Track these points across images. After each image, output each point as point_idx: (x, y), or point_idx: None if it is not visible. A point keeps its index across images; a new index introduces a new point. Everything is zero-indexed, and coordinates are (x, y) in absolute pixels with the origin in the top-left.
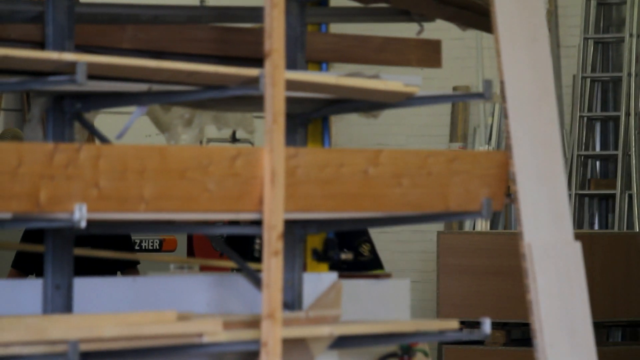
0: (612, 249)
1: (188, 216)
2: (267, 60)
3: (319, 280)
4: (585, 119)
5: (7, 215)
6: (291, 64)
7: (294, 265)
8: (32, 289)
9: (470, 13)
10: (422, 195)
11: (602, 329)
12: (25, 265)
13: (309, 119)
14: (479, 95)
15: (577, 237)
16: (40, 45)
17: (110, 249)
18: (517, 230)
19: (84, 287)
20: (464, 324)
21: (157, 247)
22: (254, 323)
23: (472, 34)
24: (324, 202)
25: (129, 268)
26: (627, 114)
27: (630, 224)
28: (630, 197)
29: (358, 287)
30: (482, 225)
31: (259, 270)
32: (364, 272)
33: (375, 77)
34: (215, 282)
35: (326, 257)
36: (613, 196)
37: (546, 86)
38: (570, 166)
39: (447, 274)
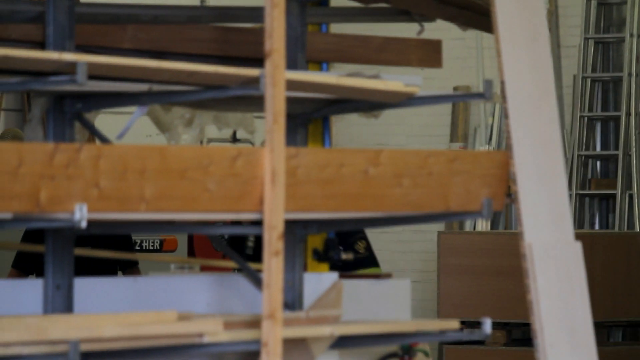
0: (613, 249)
1: (188, 216)
2: (268, 60)
3: (319, 281)
4: (586, 119)
5: (7, 215)
6: (292, 64)
7: (295, 265)
8: (32, 289)
9: (471, 13)
10: (422, 196)
11: (602, 329)
12: (26, 265)
13: (309, 119)
14: (480, 95)
15: (578, 237)
16: (41, 45)
17: (110, 249)
18: (518, 230)
19: (85, 287)
20: (465, 324)
21: (158, 247)
22: (255, 323)
23: (473, 34)
24: (324, 202)
25: (131, 268)
26: (628, 114)
27: (631, 224)
28: (631, 197)
29: (359, 287)
30: (483, 225)
31: (259, 270)
32: (360, 269)
33: (376, 77)
34: (216, 282)
35: (327, 257)
36: (613, 196)
37: (547, 86)
38: (570, 166)
39: (448, 274)
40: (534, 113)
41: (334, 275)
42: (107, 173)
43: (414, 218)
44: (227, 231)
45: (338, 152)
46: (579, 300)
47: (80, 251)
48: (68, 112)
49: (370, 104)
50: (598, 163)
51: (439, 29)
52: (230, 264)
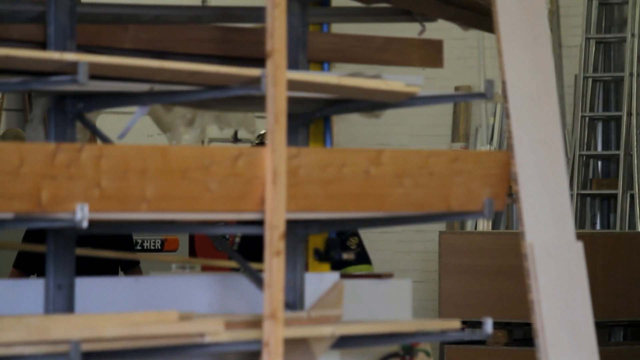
0: (614, 249)
1: (190, 216)
2: (269, 60)
3: (320, 280)
4: (587, 118)
5: (9, 215)
6: (293, 64)
7: (296, 265)
8: (34, 288)
9: (472, 13)
10: (423, 195)
11: (603, 329)
12: (27, 265)
13: (310, 119)
14: (481, 95)
15: (579, 237)
16: (42, 45)
17: (111, 249)
18: (519, 230)
19: (86, 287)
20: (466, 324)
21: (159, 247)
22: (256, 323)
23: (474, 34)
24: (325, 202)
25: (132, 268)
26: (629, 114)
27: (632, 224)
28: (632, 197)
29: (360, 287)
30: (484, 225)
31: (260, 270)
32: (351, 267)
33: (377, 77)
34: (217, 282)
35: (328, 257)
36: (615, 196)
37: (548, 86)
38: (572, 166)
39: (449, 273)
40: (535, 113)
41: (335, 275)
42: (109, 173)
43: (415, 218)
44: (228, 231)
45: (339, 152)
46: (580, 300)
47: (81, 251)
48: (69, 112)
49: (371, 103)
50: (599, 163)
51: (440, 29)
52: (232, 263)
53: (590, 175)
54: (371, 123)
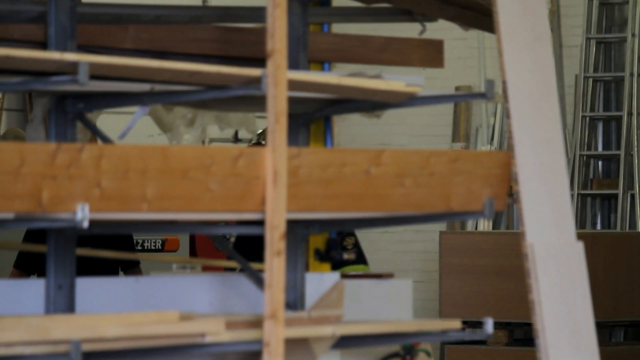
0: (615, 249)
1: (190, 216)
2: (270, 60)
3: (321, 280)
4: (588, 118)
5: (9, 215)
6: (293, 64)
7: (296, 265)
8: (34, 289)
9: (473, 13)
10: (424, 195)
11: (604, 329)
12: (27, 265)
13: (311, 119)
14: (481, 95)
15: (580, 237)
16: (43, 45)
17: (111, 249)
18: (520, 230)
19: (87, 287)
20: (467, 324)
21: (160, 247)
22: (257, 323)
23: (475, 34)
24: (326, 202)
25: (132, 268)
26: (630, 114)
27: (633, 224)
28: (633, 197)
29: (360, 287)
30: (485, 225)
31: (261, 270)
32: (347, 267)
33: (378, 77)
34: (218, 282)
35: (328, 257)
36: (615, 196)
37: (548, 86)
38: (572, 166)
39: (450, 274)
40: (535, 113)
41: (336, 275)
42: (109, 173)
43: (415, 218)
44: (229, 231)
45: (340, 152)
46: (580, 300)
47: (81, 251)
48: (70, 112)
49: (372, 103)
50: (600, 163)
51: (441, 29)
52: (233, 263)
53: (591, 175)
54: (372, 123)
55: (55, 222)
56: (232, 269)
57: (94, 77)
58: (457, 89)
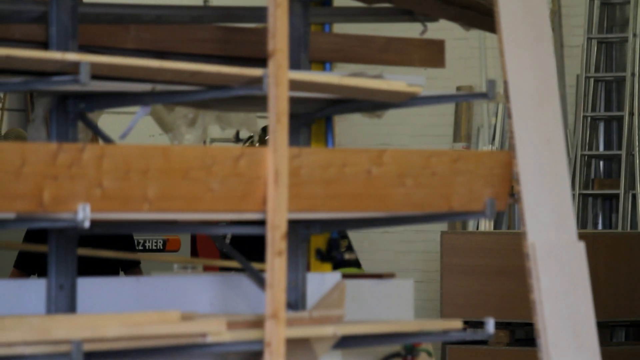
0: (616, 249)
1: (191, 216)
2: (271, 60)
3: (322, 280)
4: (589, 118)
5: (10, 215)
6: (295, 64)
7: (298, 265)
8: (35, 289)
9: (474, 13)
10: (425, 195)
11: (605, 329)
12: (28, 265)
13: (312, 119)
14: (483, 95)
15: (581, 237)
16: (44, 45)
17: (112, 249)
18: (521, 230)
19: (88, 287)
20: (468, 324)
21: (161, 247)
22: (258, 323)
23: (476, 34)
24: (327, 202)
25: (132, 268)
26: (631, 114)
27: (634, 224)
28: (634, 197)
29: (362, 287)
30: (486, 225)
31: (262, 270)
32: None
33: (379, 77)
34: (219, 282)
35: (330, 257)
36: (617, 196)
37: (550, 86)
38: (573, 166)
39: (451, 273)
40: (537, 113)
41: (337, 275)
42: (110, 173)
43: (416, 218)
44: (230, 231)
45: (341, 152)
46: (582, 300)
47: (82, 251)
48: (71, 112)
49: (373, 103)
50: (601, 163)
51: (442, 29)
52: (233, 263)
53: (592, 175)
54: (373, 123)
55: (56, 222)
56: (230, 269)
57: (95, 77)
58: (458, 89)
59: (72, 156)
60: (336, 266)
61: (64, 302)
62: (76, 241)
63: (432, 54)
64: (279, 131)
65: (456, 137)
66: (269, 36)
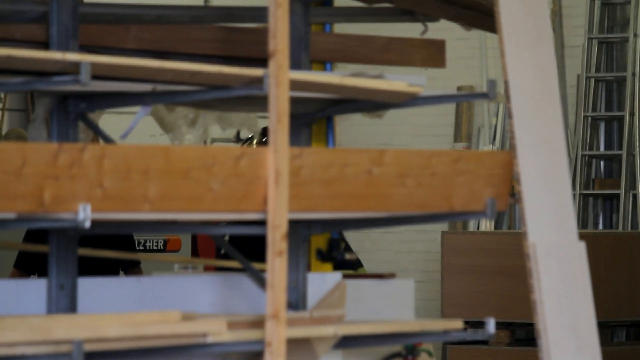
0: (617, 249)
1: (192, 216)
2: (271, 60)
3: (323, 280)
4: (590, 118)
5: (11, 215)
6: (295, 64)
7: (298, 265)
8: (36, 289)
9: (475, 13)
10: (426, 196)
11: (606, 329)
12: (27, 265)
13: (313, 119)
14: (483, 95)
15: (582, 237)
16: (45, 45)
17: (112, 249)
18: (521, 230)
19: (88, 287)
20: (468, 324)
21: (162, 247)
22: (258, 323)
23: (476, 34)
24: (328, 202)
25: (132, 268)
26: (632, 114)
27: (635, 224)
28: (635, 197)
29: (362, 287)
30: (486, 225)
31: (263, 271)
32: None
33: (379, 77)
34: (220, 282)
35: (330, 257)
36: (617, 196)
37: (550, 86)
38: (574, 166)
39: (451, 274)
40: (537, 113)
41: (338, 275)
42: (111, 173)
43: (417, 218)
44: (231, 231)
45: (342, 152)
46: (582, 300)
47: (81, 251)
48: (72, 112)
49: (374, 104)
50: (602, 163)
51: (443, 29)
52: (234, 264)
53: (593, 175)
54: (373, 123)
55: (57, 222)
56: (230, 269)
57: (95, 77)
58: (459, 89)
59: (72, 156)
60: (341, 268)
61: (65, 302)
62: (77, 241)
63: (432, 54)
64: (280, 131)
65: (457, 137)
66: (270, 36)
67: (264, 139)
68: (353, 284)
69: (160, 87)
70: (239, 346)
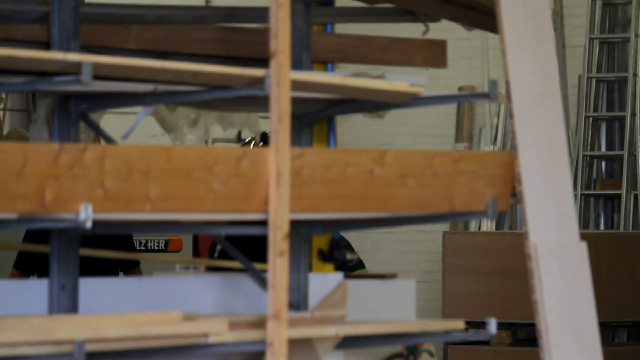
0: (618, 249)
1: (193, 216)
2: (273, 60)
3: (324, 281)
4: (591, 119)
5: (12, 215)
6: (296, 64)
7: (300, 265)
8: (37, 289)
9: (476, 13)
10: (427, 196)
11: (607, 329)
12: (27, 266)
13: (314, 119)
14: (485, 96)
15: (583, 237)
16: (46, 45)
17: (111, 249)
18: (523, 231)
19: (90, 287)
20: (470, 324)
21: (163, 248)
22: (260, 323)
23: (478, 34)
24: (329, 203)
25: (132, 268)
26: (633, 114)
27: (636, 224)
28: (636, 197)
29: (364, 288)
30: (488, 225)
31: (264, 271)
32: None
33: (381, 77)
34: (221, 282)
35: (332, 257)
36: (618, 196)
37: (552, 86)
38: (575, 166)
39: (453, 274)
40: (539, 113)
41: (339, 275)
42: (112, 173)
43: (419, 218)
44: (231, 231)
45: (343, 152)
46: (584, 301)
47: (81, 251)
48: (73, 112)
49: (375, 104)
50: (603, 163)
51: (444, 29)
52: (235, 264)
53: (594, 176)
54: (375, 123)
55: (58, 222)
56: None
57: (97, 77)
58: (460, 89)
59: (74, 156)
60: (343, 265)
61: (66, 303)
62: (78, 241)
63: (434, 54)
64: (281, 131)
65: (458, 138)
66: (271, 36)
67: (262, 144)
68: (354, 284)
69: (162, 88)
70: (241, 346)
